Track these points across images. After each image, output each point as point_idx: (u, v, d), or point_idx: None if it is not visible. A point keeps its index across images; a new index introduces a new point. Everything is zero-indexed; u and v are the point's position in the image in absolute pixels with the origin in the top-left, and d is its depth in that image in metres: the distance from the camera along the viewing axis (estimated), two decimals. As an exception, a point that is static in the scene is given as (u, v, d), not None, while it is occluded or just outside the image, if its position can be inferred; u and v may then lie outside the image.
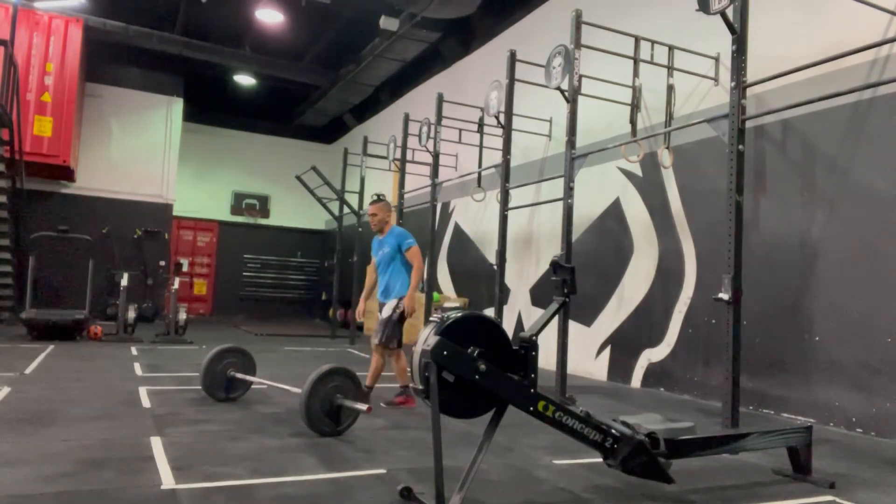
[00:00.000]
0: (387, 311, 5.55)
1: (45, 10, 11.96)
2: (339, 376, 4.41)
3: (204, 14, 12.91)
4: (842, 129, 5.58)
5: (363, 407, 4.22)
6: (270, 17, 12.70)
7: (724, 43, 5.42)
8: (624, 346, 7.77)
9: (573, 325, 7.26)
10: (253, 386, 5.57)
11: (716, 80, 6.86)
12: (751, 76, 4.99)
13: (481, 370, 2.88)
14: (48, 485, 3.07)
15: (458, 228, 11.79)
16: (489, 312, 8.41)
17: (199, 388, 5.39)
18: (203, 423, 4.56)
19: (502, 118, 7.58)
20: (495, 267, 7.62)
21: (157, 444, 3.90)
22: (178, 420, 4.63)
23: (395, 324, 5.54)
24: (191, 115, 15.88)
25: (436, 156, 9.34)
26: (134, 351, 8.68)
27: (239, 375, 5.44)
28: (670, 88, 7.16)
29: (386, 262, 5.65)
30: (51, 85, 11.71)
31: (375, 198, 5.78)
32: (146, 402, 5.20)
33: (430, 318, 3.04)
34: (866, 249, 5.33)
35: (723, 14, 4.68)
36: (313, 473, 3.47)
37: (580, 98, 6.42)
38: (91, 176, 13.84)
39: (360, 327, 13.46)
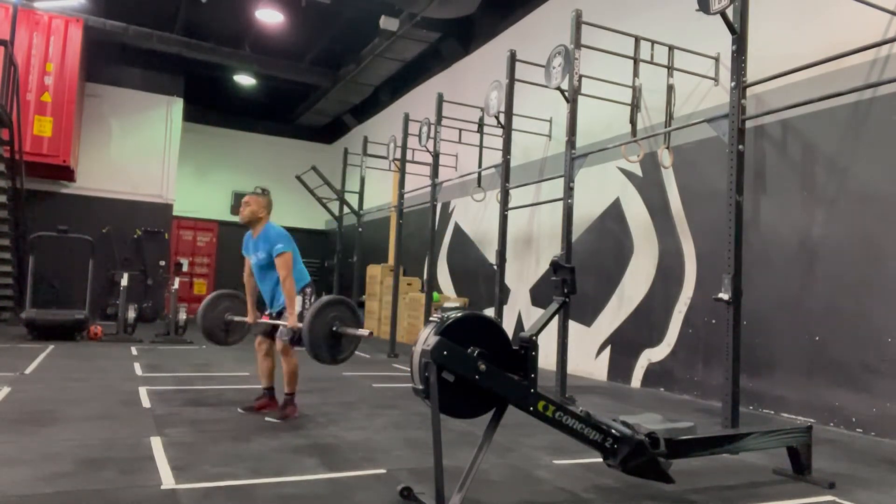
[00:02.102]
0: (289, 328, 4.77)
1: (45, 10, 11.95)
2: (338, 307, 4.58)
3: (204, 14, 12.90)
4: (842, 129, 5.58)
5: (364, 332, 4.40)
6: (270, 17, 12.69)
7: (724, 43, 5.41)
8: (624, 346, 7.77)
9: (573, 325, 7.26)
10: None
11: (716, 80, 6.86)
12: (751, 76, 4.98)
13: (481, 370, 2.88)
14: (48, 485, 3.07)
15: (458, 228, 11.79)
16: (489, 312, 8.41)
17: (199, 388, 5.39)
18: (203, 423, 4.56)
19: (502, 118, 7.58)
20: (495, 267, 7.61)
21: (157, 444, 3.90)
22: (178, 420, 4.62)
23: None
24: (191, 115, 15.87)
25: (436, 156, 9.34)
26: (134, 351, 8.68)
27: (237, 318, 5.45)
28: (670, 88, 7.16)
29: (263, 270, 4.98)
30: (51, 85, 11.70)
31: (259, 191, 5.12)
32: (146, 402, 5.20)
33: (430, 318, 3.04)
34: (866, 249, 5.33)
35: (723, 14, 4.68)
36: (313, 473, 3.47)
37: (580, 98, 6.42)
38: (91, 176, 13.83)
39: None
